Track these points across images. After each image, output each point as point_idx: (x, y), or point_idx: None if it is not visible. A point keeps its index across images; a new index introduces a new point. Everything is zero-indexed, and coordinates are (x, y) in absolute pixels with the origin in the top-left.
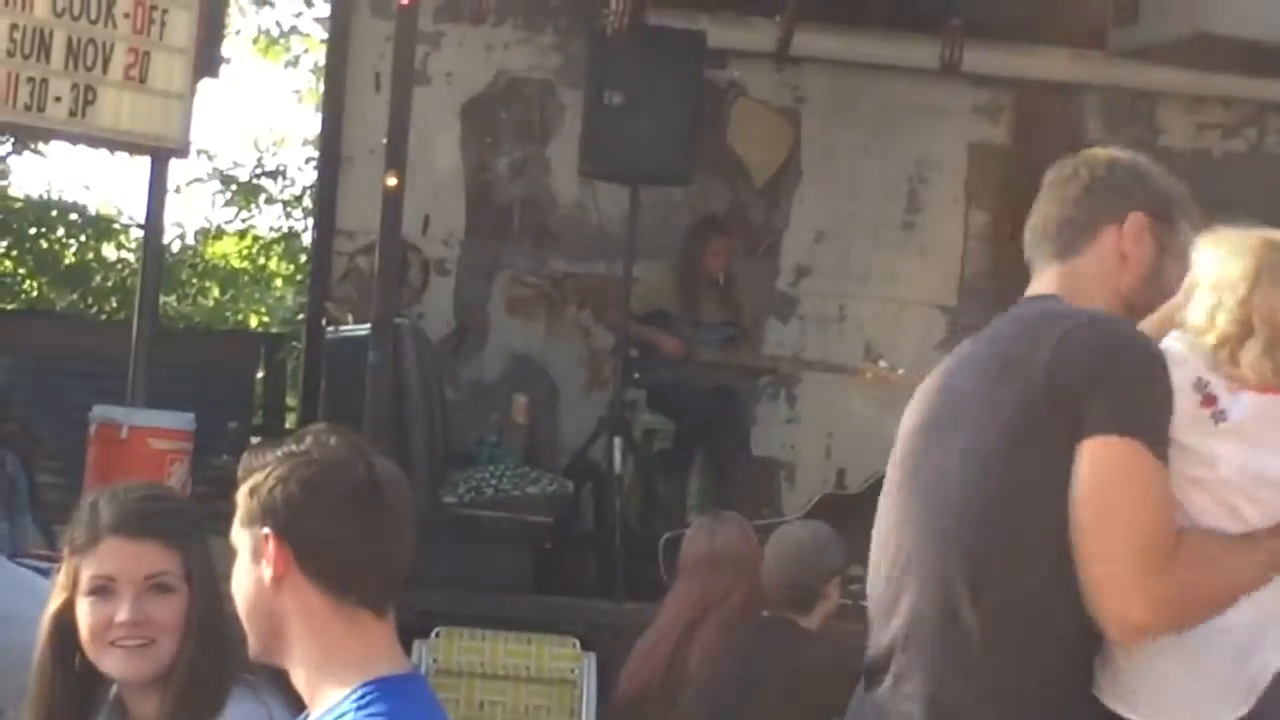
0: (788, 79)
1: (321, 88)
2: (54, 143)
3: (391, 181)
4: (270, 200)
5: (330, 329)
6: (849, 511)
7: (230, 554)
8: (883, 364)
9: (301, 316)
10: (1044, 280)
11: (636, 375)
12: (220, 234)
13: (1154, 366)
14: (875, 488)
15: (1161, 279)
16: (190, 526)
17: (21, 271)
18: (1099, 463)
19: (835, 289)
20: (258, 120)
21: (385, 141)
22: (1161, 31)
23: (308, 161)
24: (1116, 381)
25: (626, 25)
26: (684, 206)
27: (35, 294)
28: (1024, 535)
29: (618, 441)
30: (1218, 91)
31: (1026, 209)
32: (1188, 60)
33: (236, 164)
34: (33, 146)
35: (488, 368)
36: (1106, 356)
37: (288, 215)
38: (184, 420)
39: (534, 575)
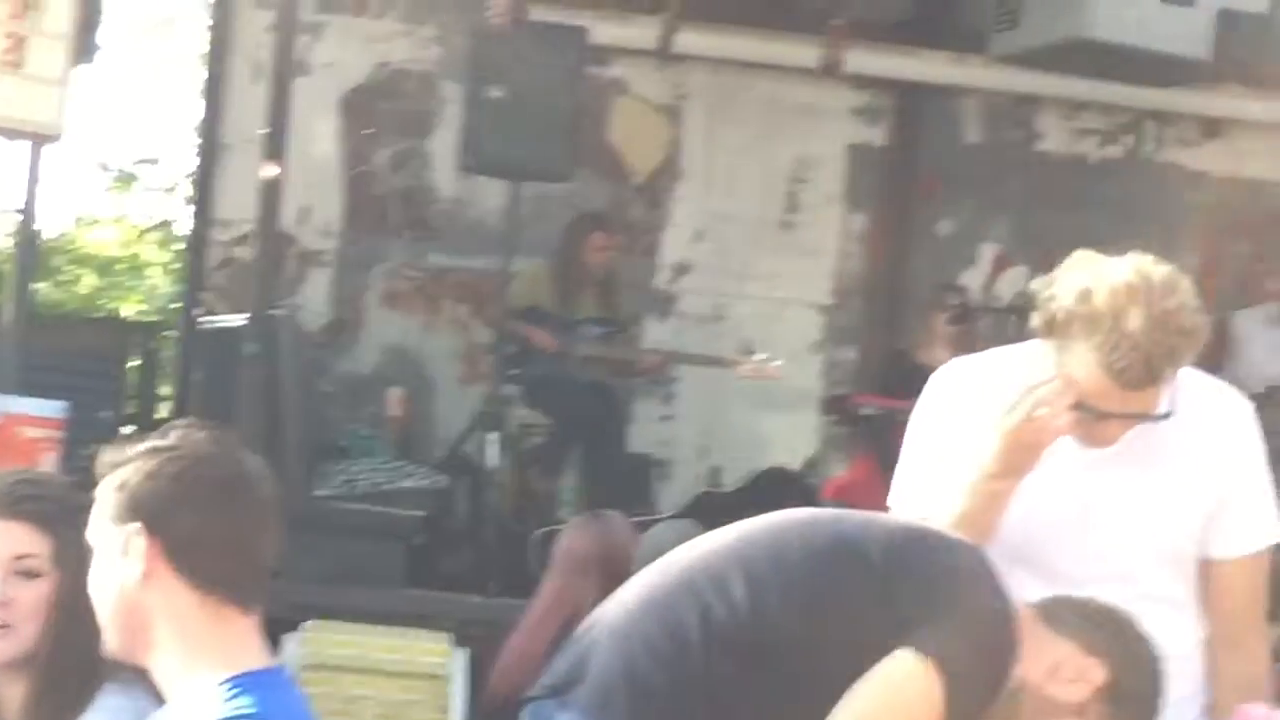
0: (669, 76)
1: (201, 76)
2: None
3: (270, 172)
4: (147, 188)
5: (205, 319)
6: (724, 509)
7: None
8: (758, 356)
9: (177, 306)
10: None
11: (513, 371)
12: (96, 221)
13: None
14: (751, 486)
15: None
16: (65, 513)
17: None
18: (900, 677)
19: (713, 287)
20: (135, 107)
21: (264, 131)
22: (1041, 37)
23: (185, 150)
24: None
25: (508, 20)
26: (564, 202)
27: None
28: None
29: (492, 436)
30: (1096, 98)
31: (904, 211)
32: (1067, 66)
33: (112, 151)
34: None
35: (363, 360)
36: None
37: (164, 204)
38: (56, 408)
39: (406, 569)
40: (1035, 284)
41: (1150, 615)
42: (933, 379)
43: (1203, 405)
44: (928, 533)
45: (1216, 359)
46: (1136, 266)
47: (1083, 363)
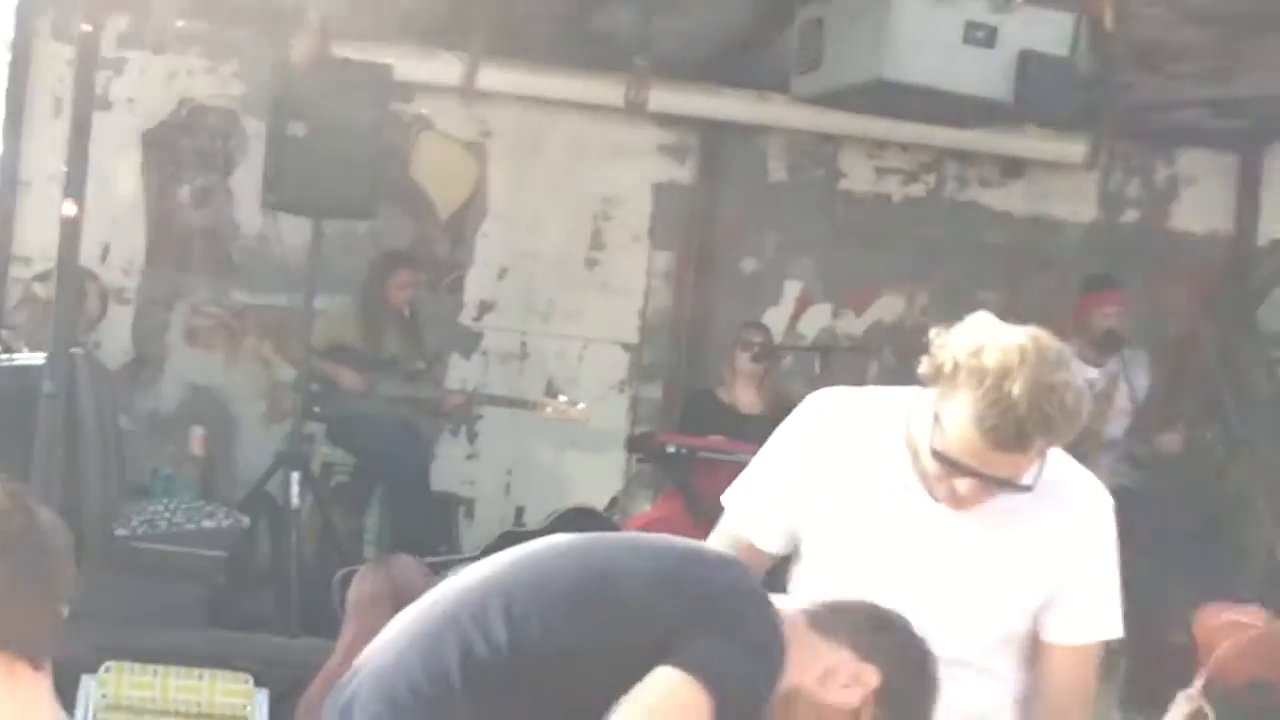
0: (474, 113)
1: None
2: None
3: (70, 209)
4: None
5: (4, 357)
6: None
7: None
8: (563, 399)
9: None
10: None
11: (317, 409)
12: None
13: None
14: (554, 525)
15: None
16: None
17: None
18: (664, 694)
19: (518, 325)
20: None
21: (65, 168)
22: (843, 78)
23: None
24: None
25: (312, 56)
26: (368, 239)
27: None
28: None
29: (295, 475)
30: (898, 137)
31: (709, 249)
32: (869, 106)
33: None
34: None
35: (165, 398)
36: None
37: None
38: None
39: (207, 610)
40: (931, 333)
41: (965, 681)
42: (806, 402)
43: (1064, 489)
44: (696, 551)
45: None
46: (1033, 335)
47: (958, 415)
